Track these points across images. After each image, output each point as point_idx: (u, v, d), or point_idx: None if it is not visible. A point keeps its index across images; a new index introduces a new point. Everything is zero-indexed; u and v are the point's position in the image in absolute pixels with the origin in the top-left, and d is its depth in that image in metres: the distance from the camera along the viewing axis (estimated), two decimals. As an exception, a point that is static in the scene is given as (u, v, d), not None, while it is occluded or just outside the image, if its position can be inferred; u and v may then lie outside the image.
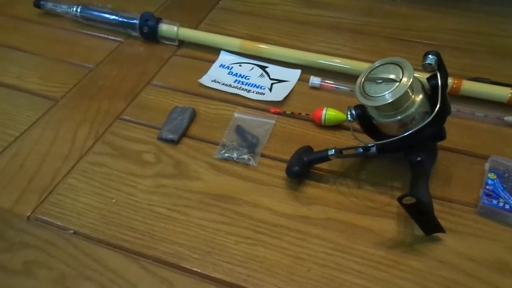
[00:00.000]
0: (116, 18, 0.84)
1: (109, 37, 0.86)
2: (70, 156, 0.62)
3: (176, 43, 0.82)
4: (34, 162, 0.61)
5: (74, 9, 0.86)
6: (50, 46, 0.84)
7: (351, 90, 0.69)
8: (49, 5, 0.89)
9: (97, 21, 0.86)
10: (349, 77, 0.71)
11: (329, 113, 0.64)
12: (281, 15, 0.91)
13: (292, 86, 0.73)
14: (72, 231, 0.53)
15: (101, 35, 0.86)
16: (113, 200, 0.56)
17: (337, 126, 0.65)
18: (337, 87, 0.72)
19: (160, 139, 0.64)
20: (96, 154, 0.63)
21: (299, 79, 0.75)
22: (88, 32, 0.87)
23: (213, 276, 0.49)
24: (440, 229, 0.50)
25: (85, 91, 0.74)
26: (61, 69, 0.78)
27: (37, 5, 0.90)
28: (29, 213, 0.55)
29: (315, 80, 0.72)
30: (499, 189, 0.54)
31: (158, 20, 0.82)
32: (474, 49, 0.81)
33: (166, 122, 0.66)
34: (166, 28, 0.81)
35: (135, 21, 0.82)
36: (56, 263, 0.50)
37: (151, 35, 0.82)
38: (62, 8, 0.88)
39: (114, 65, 0.79)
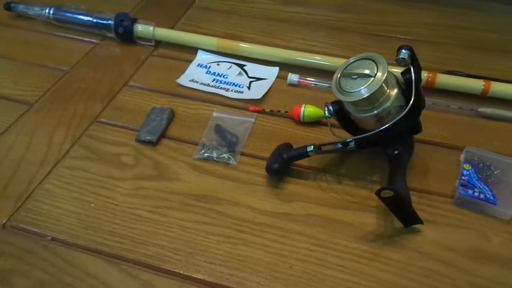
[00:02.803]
0: (90, 19, 0.82)
1: (84, 38, 0.84)
2: (46, 161, 0.61)
3: (153, 43, 0.81)
4: (9, 169, 0.60)
5: (47, 11, 0.84)
6: (23, 49, 0.82)
7: (329, 86, 0.70)
8: (21, 7, 0.87)
9: (71, 22, 0.84)
10: (326, 73, 0.72)
11: (308, 110, 0.65)
12: (257, 13, 0.91)
13: (271, 84, 0.73)
14: (50, 238, 0.52)
15: (76, 36, 0.85)
16: (92, 205, 0.55)
17: (316, 123, 0.66)
18: (315, 84, 0.72)
19: (139, 140, 0.63)
20: (73, 158, 0.61)
21: (277, 77, 0.75)
22: (62, 34, 0.85)
23: (195, 277, 0.48)
24: (418, 220, 0.51)
25: (60, 94, 0.72)
26: (34, 72, 0.77)
27: (8, 7, 0.88)
28: (5, 221, 0.54)
29: (293, 77, 0.73)
30: (474, 179, 0.55)
31: (134, 21, 0.81)
32: (448, 43, 0.83)
33: (144, 124, 0.65)
34: (141, 28, 0.80)
35: (109, 22, 0.81)
36: (34, 271, 0.49)
37: (126, 35, 0.81)
38: (34, 10, 0.86)
39: (90, 67, 0.78)
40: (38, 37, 0.85)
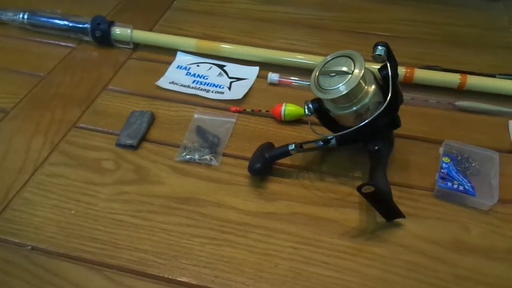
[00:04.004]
0: (66, 23, 0.81)
1: (60, 43, 0.83)
2: (24, 169, 0.60)
3: (131, 46, 0.81)
4: (-15, 178, 0.59)
5: (21, 16, 0.83)
6: (-3, 56, 0.80)
7: (309, 85, 0.70)
8: (-7, 13, 0.85)
9: (46, 27, 0.83)
10: (307, 71, 0.72)
11: (289, 109, 0.65)
12: (237, 13, 0.91)
13: (251, 84, 0.73)
14: (30, 247, 0.51)
15: (52, 41, 0.83)
16: (73, 212, 0.55)
17: (297, 121, 0.66)
18: (295, 82, 0.72)
19: (119, 145, 0.62)
20: (52, 165, 0.60)
21: (257, 76, 0.75)
22: (38, 39, 0.84)
23: (180, 280, 0.48)
24: (400, 214, 0.51)
25: (37, 100, 0.71)
26: (10, 79, 0.75)
27: (-19, 13, 0.86)
28: (-18, 232, 0.53)
29: (273, 76, 0.73)
30: (453, 172, 0.56)
31: (111, 24, 0.80)
32: (426, 38, 0.84)
33: (124, 128, 0.64)
34: (119, 31, 0.79)
35: (86, 25, 0.80)
36: (15, 281, 0.48)
37: (104, 39, 0.80)
38: (8, 15, 0.84)
39: (67, 72, 0.77)
40: (13, 42, 0.83)
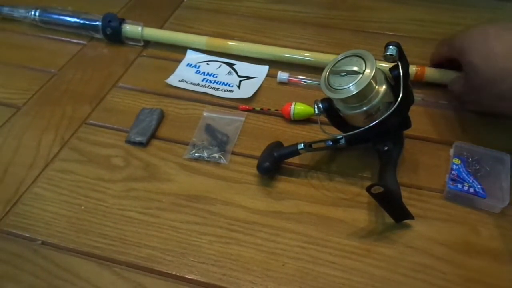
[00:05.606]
0: (77, 20, 0.82)
1: (71, 40, 0.83)
2: (34, 165, 0.60)
3: (141, 44, 0.81)
4: (-3, 173, 0.59)
5: (32, 13, 0.83)
6: (9, 52, 0.81)
7: (319, 84, 0.70)
8: (5, 10, 0.86)
9: (57, 24, 0.83)
10: (316, 70, 0.72)
11: (298, 108, 0.65)
12: (246, 11, 0.91)
13: (261, 82, 0.73)
14: (40, 242, 0.52)
15: (63, 38, 0.84)
16: (82, 207, 0.55)
17: (306, 120, 0.66)
18: (305, 82, 0.72)
19: (128, 142, 0.63)
20: (63, 161, 0.61)
21: (267, 75, 0.74)
22: (49, 36, 0.84)
23: (188, 277, 0.48)
24: (409, 215, 0.51)
25: (48, 96, 0.72)
26: (21, 75, 0.76)
27: (-7, 10, 0.87)
28: (-6, 226, 0.53)
29: (283, 75, 0.73)
30: (463, 173, 0.55)
31: (122, 21, 0.80)
32: (436, 39, 0.82)
33: (134, 125, 0.65)
34: (130, 28, 0.80)
35: (97, 22, 0.80)
36: (25, 275, 0.49)
37: (114, 36, 0.80)
38: (20, 12, 0.85)
39: (78, 68, 0.77)
40: (25, 39, 0.84)
